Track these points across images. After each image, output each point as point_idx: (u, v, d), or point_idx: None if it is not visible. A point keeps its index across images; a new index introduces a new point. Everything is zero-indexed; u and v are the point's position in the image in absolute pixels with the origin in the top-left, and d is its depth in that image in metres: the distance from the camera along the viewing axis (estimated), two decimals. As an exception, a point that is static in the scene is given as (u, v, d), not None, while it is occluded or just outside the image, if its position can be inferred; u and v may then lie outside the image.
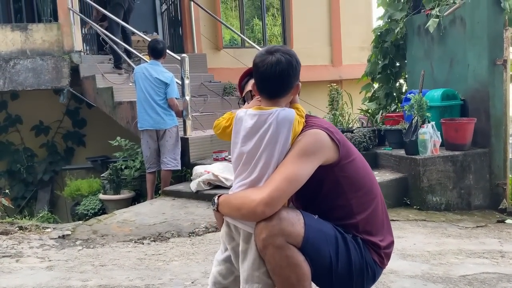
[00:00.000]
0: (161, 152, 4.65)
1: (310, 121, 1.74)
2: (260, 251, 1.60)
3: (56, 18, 6.36)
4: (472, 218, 3.87)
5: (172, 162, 4.62)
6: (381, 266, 1.75)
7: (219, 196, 1.73)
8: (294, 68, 1.64)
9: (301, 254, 1.58)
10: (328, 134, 1.67)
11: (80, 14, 6.48)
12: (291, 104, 1.75)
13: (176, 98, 4.67)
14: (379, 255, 1.74)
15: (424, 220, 3.72)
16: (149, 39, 5.23)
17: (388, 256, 1.78)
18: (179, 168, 4.68)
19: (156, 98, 4.58)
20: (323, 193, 1.71)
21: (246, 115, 1.68)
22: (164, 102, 4.61)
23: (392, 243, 1.81)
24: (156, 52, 4.75)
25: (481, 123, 4.22)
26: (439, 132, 4.11)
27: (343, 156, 1.68)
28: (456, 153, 4.10)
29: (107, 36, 6.03)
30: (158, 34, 7.98)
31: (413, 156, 4.03)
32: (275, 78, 1.63)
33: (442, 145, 4.16)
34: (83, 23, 6.65)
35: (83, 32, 6.80)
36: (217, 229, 3.41)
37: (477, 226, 3.66)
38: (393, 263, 2.65)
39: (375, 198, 1.76)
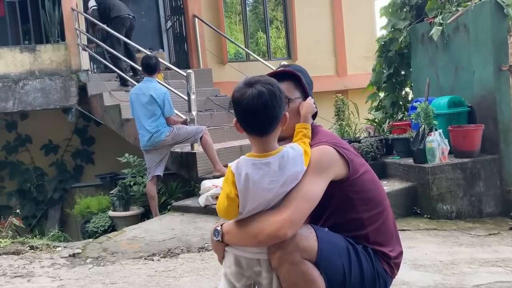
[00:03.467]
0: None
1: (318, 135, 1.73)
2: (275, 269, 1.57)
3: (63, 39, 6.47)
4: (484, 226, 3.82)
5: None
6: (391, 276, 1.75)
7: (221, 225, 1.64)
8: (278, 98, 1.50)
9: (316, 269, 1.57)
10: (337, 150, 1.66)
11: (87, 34, 6.59)
12: (300, 123, 1.71)
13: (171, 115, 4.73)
14: (389, 265, 1.73)
15: (435, 229, 3.68)
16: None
17: (398, 266, 1.78)
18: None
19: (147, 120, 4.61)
20: (333, 208, 1.71)
21: (250, 166, 1.52)
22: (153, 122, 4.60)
23: (401, 253, 1.81)
24: (149, 68, 4.78)
25: (489, 130, 4.20)
26: (446, 140, 4.09)
27: (352, 171, 1.68)
28: (465, 160, 4.06)
29: (111, 53, 6.11)
30: (164, 50, 8.07)
31: (421, 165, 4.01)
32: (259, 112, 1.48)
33: (450, 152, 4.13)
34: (90, 43, 6.76)
35: (92, 50, 6.90)
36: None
37: (490, 234, 3.61)
38: (405, 274, 2.62)
39: (384, 209, 1.76)
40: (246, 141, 4.29)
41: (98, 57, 6.62)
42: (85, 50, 6.51)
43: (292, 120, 1.69)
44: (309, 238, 1.57)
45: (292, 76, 1.79)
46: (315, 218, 1.73)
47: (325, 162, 1.62)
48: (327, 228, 1.68)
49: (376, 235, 1.71)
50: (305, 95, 1.79)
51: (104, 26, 6.11)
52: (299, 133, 1.70)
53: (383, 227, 1.74)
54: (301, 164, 1.57)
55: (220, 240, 1.63)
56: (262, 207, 1.56)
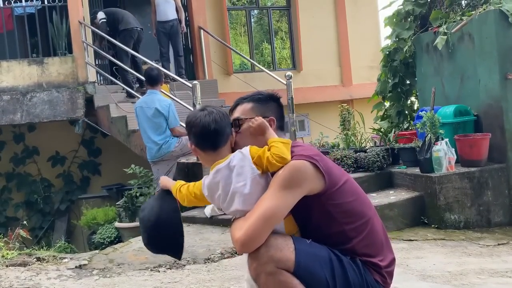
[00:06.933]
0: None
1: (294, 149, 1.71)
2: (254, 281, 1.61)
3: (70, 51, 6.55)
4: (493, 236, 3.78)
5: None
6: (384, 285, 1.72)
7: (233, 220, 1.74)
8: (225, 116, 1.75)
9: (295, 278, 1.57)
10: (312, 163, 1.64)
11: (94, 46, 6.67)
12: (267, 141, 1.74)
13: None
14: (381, 274, 1.71)
15: (443, 239, 3.64)
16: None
17: (390, 275, 1.75)
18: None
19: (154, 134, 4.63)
20: (314, 222, 1.70)
21: (207, 178, 1.74)
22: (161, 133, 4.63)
23: (393, 260, 1.78)
24: (151, 79, 4.81)
25: (496, 139, 4.17)
26: (453, 149, 4.07)
27: (330, 184, 1.66)
28: (472, 169, 4.03)
29: (118, 66, 6.18)
30: (170, 62, 8.13)
31: (428, 174, 3.98)
32: (211, 126, 1.71)
33: (457, 162, 4.11)
34: (97, 55, 6.84)
35: (97, 62, 6.98)
36: (232, 255, 3.39)
37: (499, 244, 3.57)
38: (413, 285, 2.60)
39: (369, 219, 1.73)
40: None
41: (103, 72, 6.70)
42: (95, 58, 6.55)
43: (245, 140, 1.76)
44: (284, 249, 1.58)
45: (250, 98, 1.84)
46: (300, 232, 1.72)
47: (296, 177, 1.61)
48: (310, 240, 1.67)
49: (363, 247, 1.69)
50: (263, 116, 1.78)
51: (112, 40, 6.16)
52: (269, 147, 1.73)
53: (370, 237, 1.71)
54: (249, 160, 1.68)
55: None
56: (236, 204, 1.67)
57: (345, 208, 1.68)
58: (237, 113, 1.81)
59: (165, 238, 1.83)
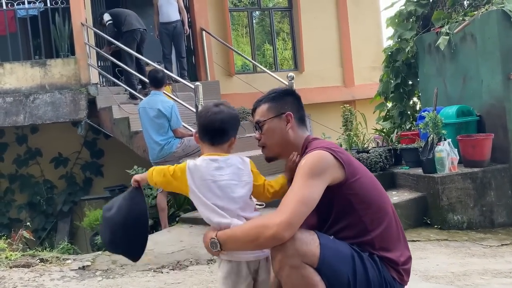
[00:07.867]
0: None
1: (312, 144, 1.78)
2: (276, 273, 1.62)
3: (73, 53, 6.57)
4: (496, 236, 3.78)
5: None
6: (401, 283, 1.73)
7: (217, 237, 1.69)
8: (232, 119, 1.81)
9: (318, 274, 1.58)
10: (332, 154, 1.69)
11: (96, 48, 6.68)
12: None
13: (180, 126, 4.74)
14: (398, 271, 1.72)
15: (446, 239, 3.64)
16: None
17: (407, 272, 1.76)
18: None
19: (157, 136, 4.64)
20: (334, 213, 1.72)
21: (200, 160, 1.76)
22: (163, 135, 4.64)
23: (410, 258, 1.79)
24: (156, 81, 4.84)
25: (499, 139, 4.16)
26: (456, 149, 4.06)
27: (349, 174, 1.69)
28: (475, 170, 4.03)
29: (121, 67, 6.20)
30: (172, 63, 8.14)
31: (431, 175, 3.98)
32: (215, 124, 1.78)
33: (460, 162, 4.10)
34: (99, 56, 6.85)
35: (99, 64, 6.99)
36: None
37: (502, 245, 3.56)
38: (416, 285, 2.59)
39: (387, 213, 1.76)
40: (253, 152, 4.31)
41: (106, 74, 6.71)
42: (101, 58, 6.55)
43: (271, 139, 1.84)
44: (310, 243, 1.60)
45: (265, 99, 1.90)
46: (320, 224, 1.74)
47: (321, 165, 1.66)
48: (332, 236, 1.69)
49: (381, 241, 1.71)
50: (280, 113, 1.86)
51: (116, 42, 6.17)
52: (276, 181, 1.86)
53: (388, 231, 1.73)
54: (247, 167, 1.76)
55: (220, 250, 1.68)
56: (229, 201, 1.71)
57: (365, 199, 1.71)
58: (257, 116, 1.90)
59: (129, 240, 1.79)
